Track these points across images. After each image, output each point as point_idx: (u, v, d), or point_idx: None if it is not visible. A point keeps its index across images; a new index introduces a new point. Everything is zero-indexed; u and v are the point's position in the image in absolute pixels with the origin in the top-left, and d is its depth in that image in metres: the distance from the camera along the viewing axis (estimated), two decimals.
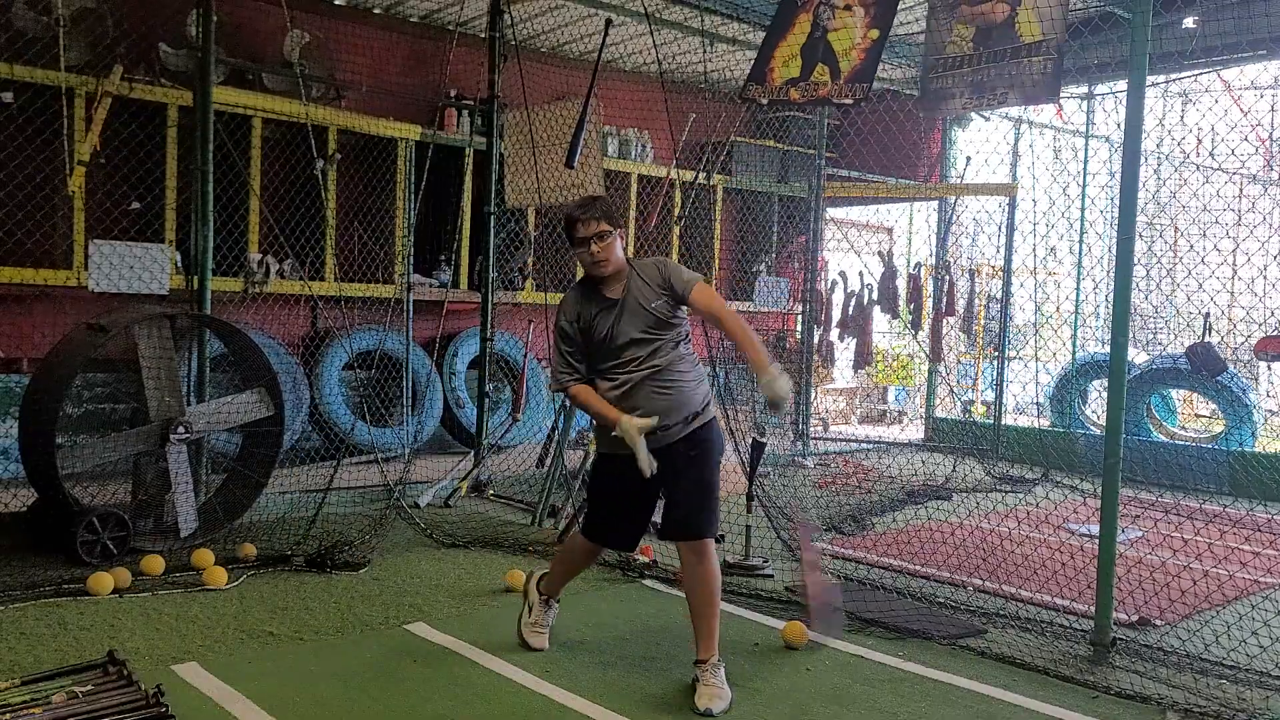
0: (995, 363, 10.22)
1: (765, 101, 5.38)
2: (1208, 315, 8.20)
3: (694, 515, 3.67)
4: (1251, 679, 3.94)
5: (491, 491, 7.08)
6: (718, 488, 3.77)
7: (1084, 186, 9.71)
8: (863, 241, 11.48)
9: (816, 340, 9.69)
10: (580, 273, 4.50)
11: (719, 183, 9.97)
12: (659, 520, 3.83)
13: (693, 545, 3.66)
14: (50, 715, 2.93)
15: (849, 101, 5.10)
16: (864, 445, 10.39)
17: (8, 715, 2.90)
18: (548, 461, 6.58)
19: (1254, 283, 7.84)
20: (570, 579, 4.17)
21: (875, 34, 5.04)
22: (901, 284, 9.65)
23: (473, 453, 7.54)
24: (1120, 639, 4.19)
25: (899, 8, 5.19)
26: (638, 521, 3.89)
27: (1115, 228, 4.78)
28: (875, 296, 9.62)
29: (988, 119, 10.06)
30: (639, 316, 3.67)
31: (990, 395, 11.00)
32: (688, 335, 3.81)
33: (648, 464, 3.52)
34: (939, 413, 10.71)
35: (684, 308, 3.72)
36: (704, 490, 3.71)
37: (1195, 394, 10.71)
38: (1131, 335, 4.82)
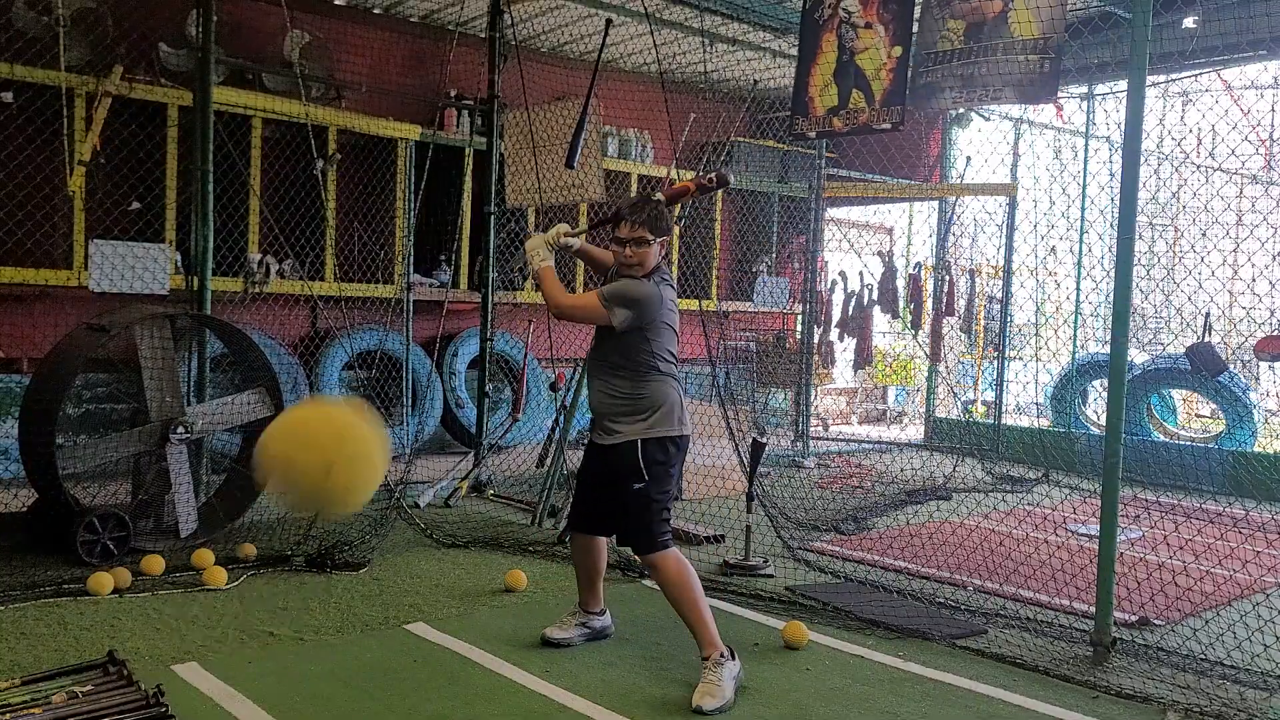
0: (995, 363, 10.22)
1: (814, 134, 5.48)
2: (1208, 315, 8.19)
3: (639, 530, 3.79)
4: (1252, 679, 3.94)
5: (491, 491, 7.08)
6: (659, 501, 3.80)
7: (1084, 186, 9.71)
8: (863, 241, 11.50)
9: (816, 340, 9.69)
10: None
11: None
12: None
13: (644, 558, 3.83)
14: (50, 715, 2.93)
15: (887, 126, 5.10)
16: (864, 445, 10.39)
17: (8, 715, 2.90)
18: (548, 461, 6.58)
19: (1254, 283, 7.85)
20: (593, 583, 4.16)
21: (899, 51, 5.03)
22: (901, 284, 9.66)
23: (473, 453, 7.54)
24: (1120, 639, 4.19)
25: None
26: (599, 510, 3.97)
27: (1115, 228, 4.77)
28: (875, 296, 9.63)
29: (987, 118, 10.06)
30: None
31: (990, 395, 10.99)
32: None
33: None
34: (939, 413, 10.71)
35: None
36: (647, 506, 3.80)
37: (1195, 394, 10.72)
38: (1132, 335, 4.82)
